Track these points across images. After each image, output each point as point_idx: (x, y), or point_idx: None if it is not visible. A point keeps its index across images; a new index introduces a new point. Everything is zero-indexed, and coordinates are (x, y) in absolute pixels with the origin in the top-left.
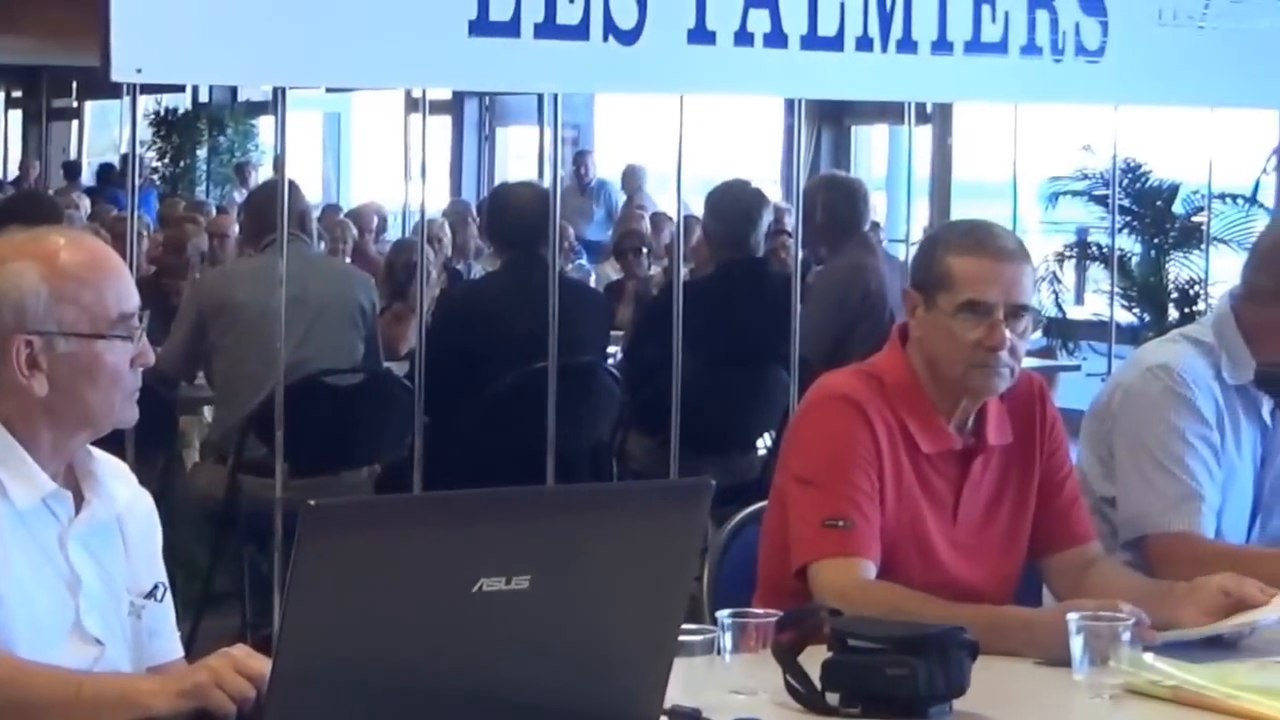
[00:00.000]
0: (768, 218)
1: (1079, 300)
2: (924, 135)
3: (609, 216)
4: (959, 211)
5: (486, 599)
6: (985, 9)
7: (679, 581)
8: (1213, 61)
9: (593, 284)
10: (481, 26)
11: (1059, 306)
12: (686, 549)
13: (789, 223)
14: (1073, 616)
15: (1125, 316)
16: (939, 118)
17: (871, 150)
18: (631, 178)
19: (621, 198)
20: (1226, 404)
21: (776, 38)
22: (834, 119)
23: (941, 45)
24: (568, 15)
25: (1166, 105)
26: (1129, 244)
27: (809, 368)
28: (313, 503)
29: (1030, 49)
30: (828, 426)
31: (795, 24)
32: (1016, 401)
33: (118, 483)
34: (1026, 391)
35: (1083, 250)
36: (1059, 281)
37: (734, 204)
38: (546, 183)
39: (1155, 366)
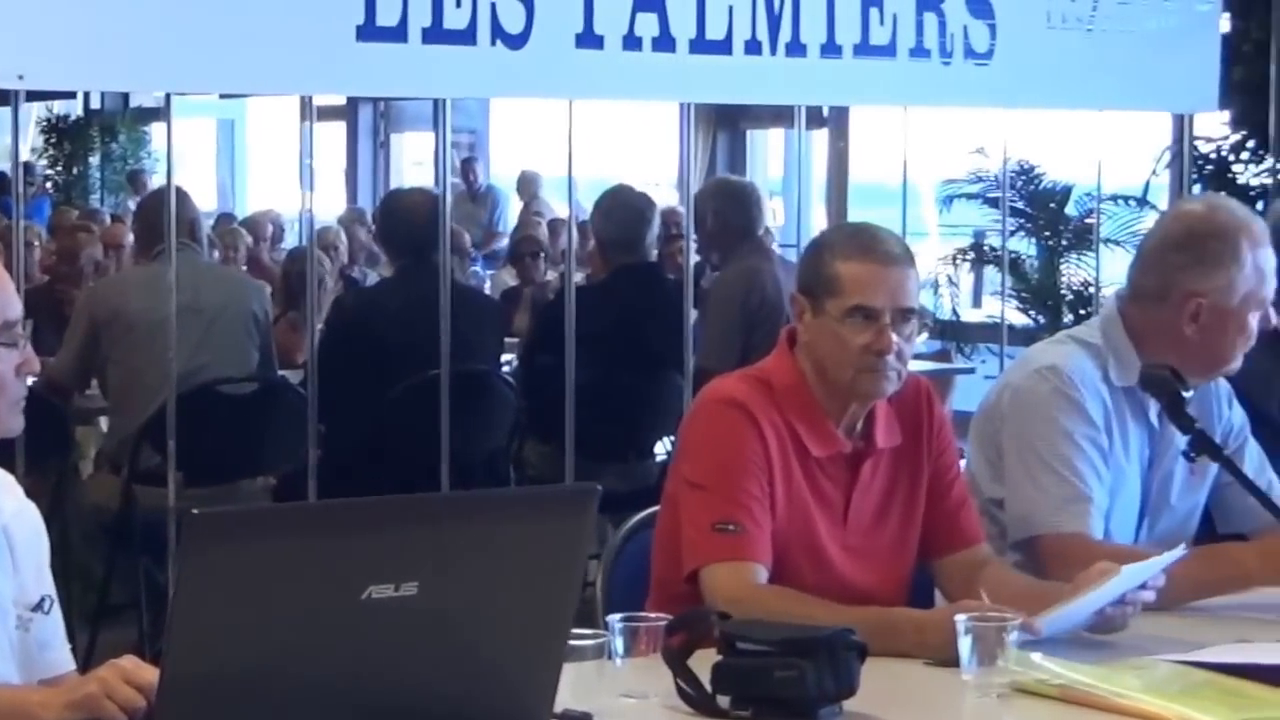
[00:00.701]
0: (658, 222)
1: (976, 303)
2: (821, 139)
3: (495, 222)
4: (856, 215)
5: (375, 606)
6: (873, 12)
7: (567, 586)
8: (1101, 64)
9: (488, 290)
10: (369, 32)
11: (954, 310)
12: (573, 554)
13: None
14: (961, 618)
15: (1020, 319)
16: (835, 121)
17: (768, 154)
18: (527, 184)
19: (511, 203)
20: (1114, 405)
21: (665, 41)
22: (729, 123)
23: (830, 48)
24: (455, 20)
25: (1055, 108)
26: (1023, 246)
27: (710, 377)
28: (195, 512)
29: (919, 52)
30: (717, 431)
31: (683, 28)
32: (904, 404)
33: (3, 494)
34: (914, 394)
35: (979, 253)
36: (954, 285)
37: (624, 209)
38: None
39: (1043, 368)
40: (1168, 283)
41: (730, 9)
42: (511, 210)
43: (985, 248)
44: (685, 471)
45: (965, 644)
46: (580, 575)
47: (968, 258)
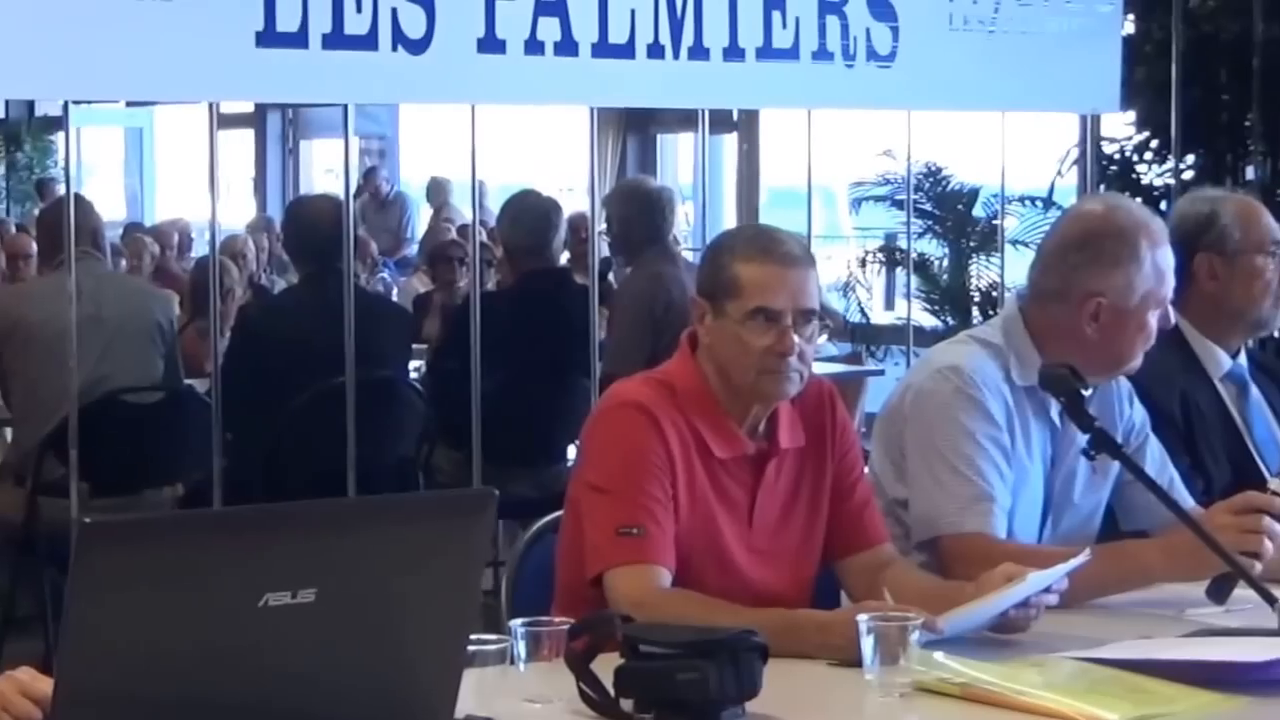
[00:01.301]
0: (566, 226)
1: (889, 305)
2: (733, 143)
3: (403, 229)
4: (768, 218)
5: (272, 613)
6: (776, 15)
7: (466, 591)
8: (1003, 66)
9: (395, 297)
10: (269, 38)
11: (863, 312)
12: (472, 559)
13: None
14: (863, 618)
15: (930, 320)
16: (744, 125)
17: (678, 158)
18: (437, 190)
19: (421, 210)
20: (1016, 405)
21: (567, 46)
22: (639, 127)
23: (733, 52)
24: (356, 25)
25: (958, 110)
26: (932, 248)
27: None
28: (88, 521)
29: (822, 54)
30: (619, 434)
31: (586, 32)
32: (807, 405)
33: None
34: (817, 396)
35: (889, 255)
36: (863, 287)
37: (530, 214)
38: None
39: (945, 368)
40: (1067, 282)
41: (632, 13)
42: (421, 217)
43: (895, 250)
44: (588, 475)
45: (867, 644)
46: (479, 579)
47: (877, 259)
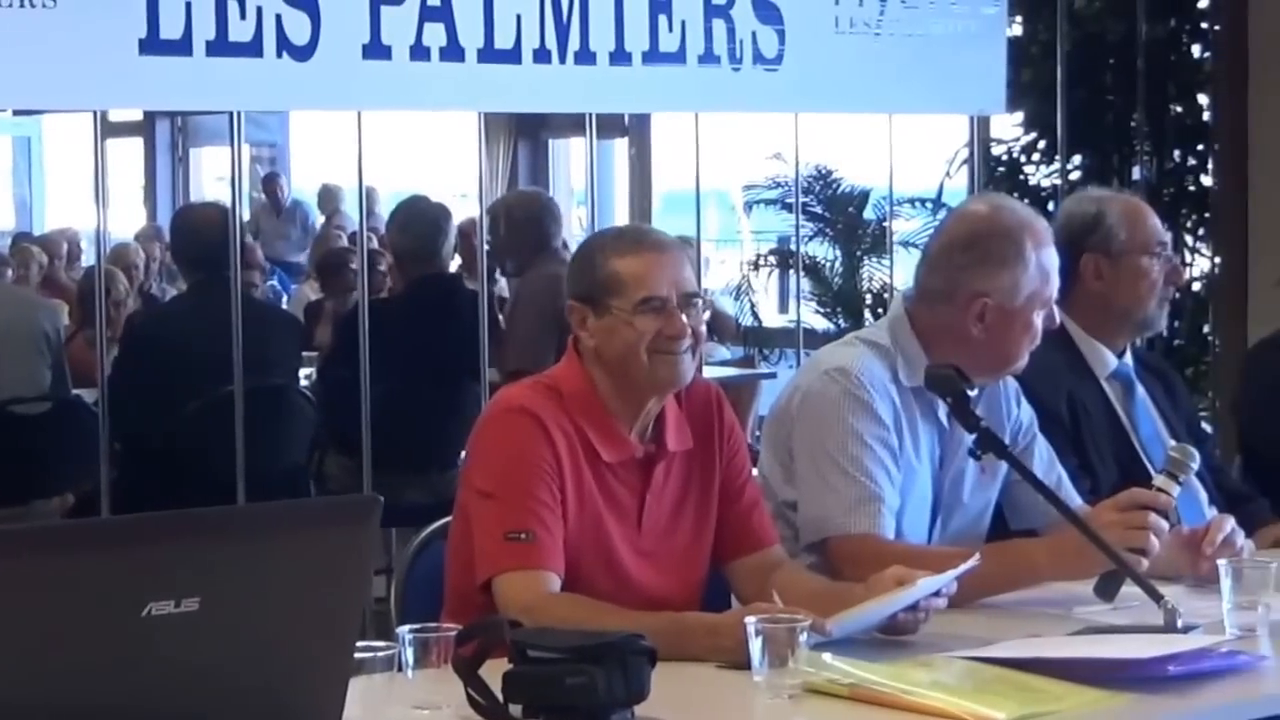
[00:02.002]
0: (454, 233)
1: (783, 308)
2: (625, 147)
3: (305, 237)
4: (661, 223)
5: (156, 623)
6: (662, 19)
7: (351, 598)
8: (889, 68)
9: (285, 305)
10: (152, 45)
11: (755, 315)
12: (357, 566)
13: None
14: (751, 620)
15: (823, 323)
16: (635, 129)
17: (570, 163)
18: (329, 198)
19: (319, 217)
20: (904, 406)
21: (453, 51)
22: (530, 132)
23: (620, 56)
24: (240, 32)
25: (844, 112)
26: (824, 251)
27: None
28: None
29: (708, 58)
30: (506, 439)
31: (471, 37)
32: (695, 408)
33: None
34: (704, 398)
35: (782, 259)
36: (754, 290)
37: (418, 221)
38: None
39: (832, 370)
40: (953, 283)
41: (518, 18)
42: (320, 224)
43: (788, 253)
44: (476, 481)
45: (756, 646)
46: (365, 586)
47: (768, 263)
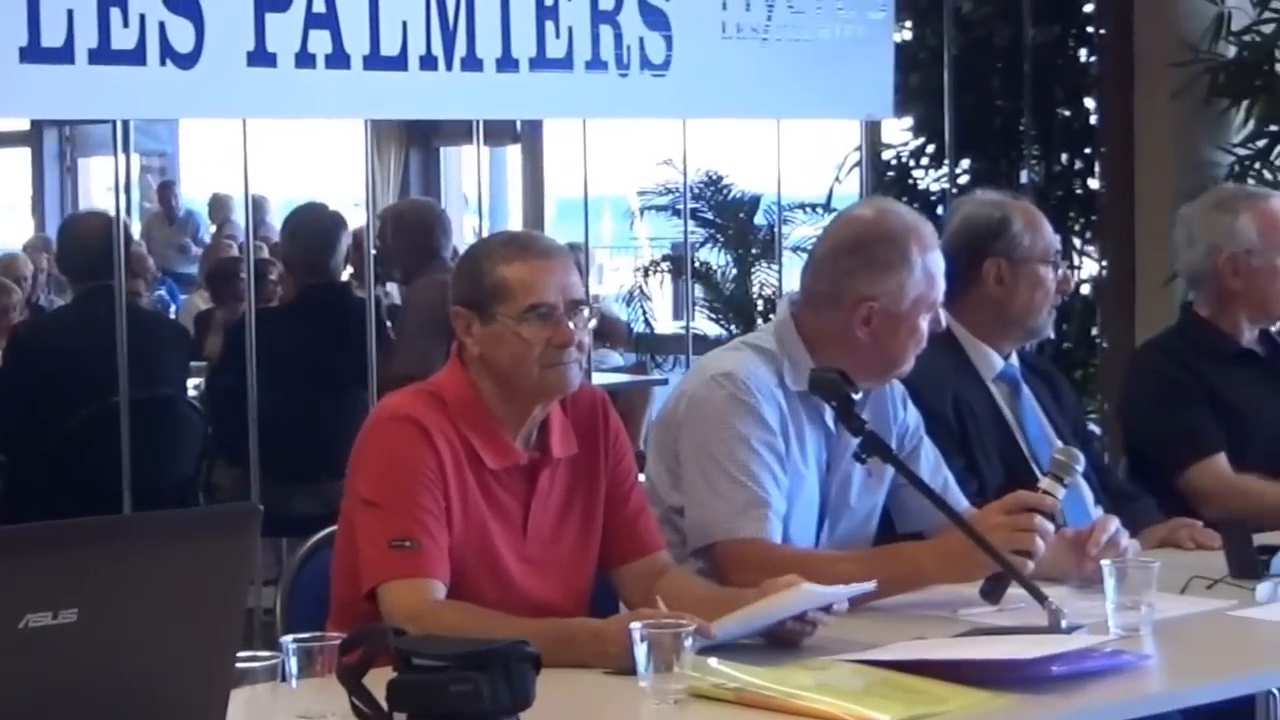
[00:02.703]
0: (347, 241)
1: (677, 315)
2: (518, 154)
3: (197, 246)
4: (555, 229)
5: (33, 635)
6: (549, 25)
7: (232, 608)
8: (777, 73)
9: (175, 315)
10: (34, 53)
11: (647, 322)
12: (237, 575)
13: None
14: (635, 625)
15: (716, 330)
16: (527, 136)
17: (461, 170)
18: (219, 207)
19: (210, 227)
20: (790, 410)
21: (339, 58)
22: (421, 140)
23: (507, 63)
24: (123, 40)
25: (733, 118)
26: (716, 257)
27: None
28: None
29: (595, 64)
30: (390, 447)
31: (357, 44)
32: (580, 414)
33: None
34: (589, 404)
35: (675, 265)
36: (648, 297)
37: (309, 230)
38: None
39: (719, 374)
40: (839, 287)
41: (404, 24)
42: (211, 234)
43: (681, 260)
44: (360, 489)
45: (641, 651)
46: (245, 596)
47: (660, 269)
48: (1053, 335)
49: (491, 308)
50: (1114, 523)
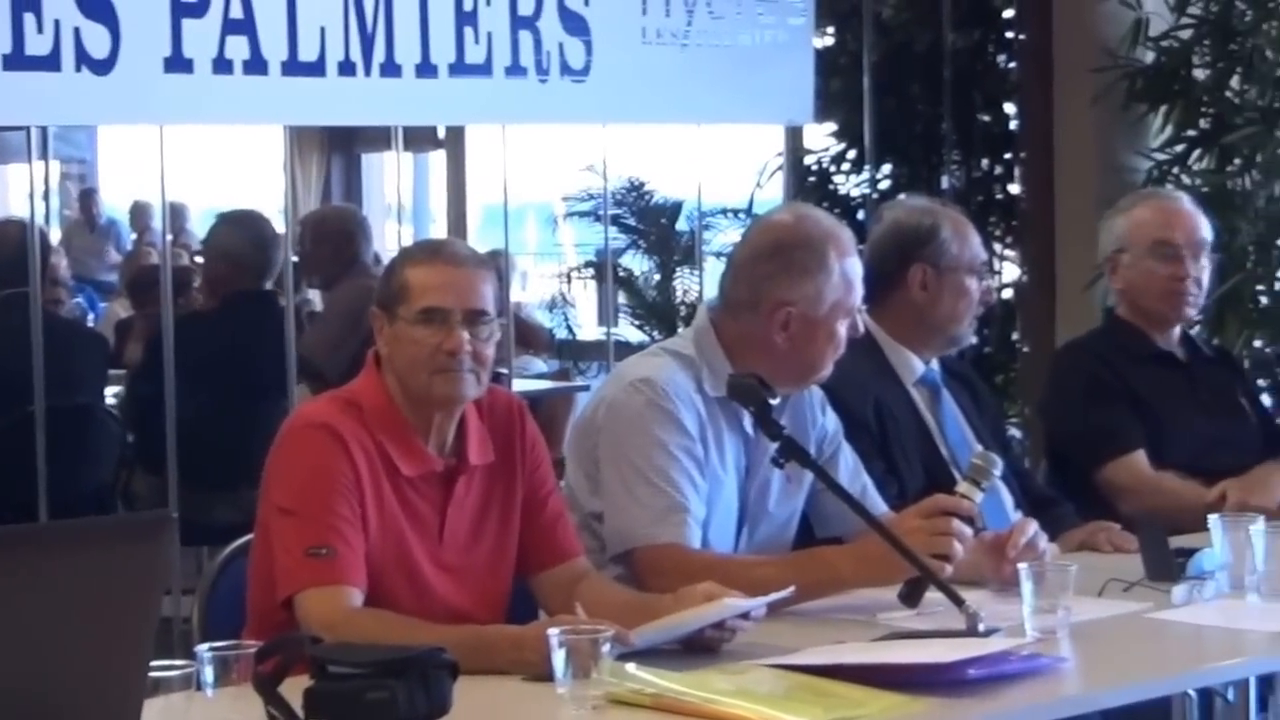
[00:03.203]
0: (273, 248)
1: (602, 321)
2: (441, 159)
3: (119, 254)
4: (478, 235)
5: None
6: (468, 31)
7: (144, 616)
8: (697, 79)
9: (95, 323)
10: None
11: (570, 329)
12: (149, 584)
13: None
14: (553, 631)
15: (639, 336)
16: (451, 142)
17: (384, 177)
18: (139, 214)
19: (132, 235)
20: (709, 416)
21: (257, 64)
22: (343, 146)
23: (426, 68)
24: (37, 46)
25: (653, 123)
26: (638, 263)
27: (325, 381)
28: None
29: (515, 70)
30: (305, 455)
31: (275, 50)
32: (497, 420)
33: None
34: (506, 411)
35: (599, 271)
36: (569, 303)
37: (237, 235)
38: (44, 220)
39: (637, 380)
40: (757, 293)
41: (323, 30)
42: (132, 241)
43: (604, 266)
44: (275, 497)
45: (559, 658)
46: (158, 605)
47: (582, 275)
48: (975, 340)
49: (395, 308)
50: (1032, 525)
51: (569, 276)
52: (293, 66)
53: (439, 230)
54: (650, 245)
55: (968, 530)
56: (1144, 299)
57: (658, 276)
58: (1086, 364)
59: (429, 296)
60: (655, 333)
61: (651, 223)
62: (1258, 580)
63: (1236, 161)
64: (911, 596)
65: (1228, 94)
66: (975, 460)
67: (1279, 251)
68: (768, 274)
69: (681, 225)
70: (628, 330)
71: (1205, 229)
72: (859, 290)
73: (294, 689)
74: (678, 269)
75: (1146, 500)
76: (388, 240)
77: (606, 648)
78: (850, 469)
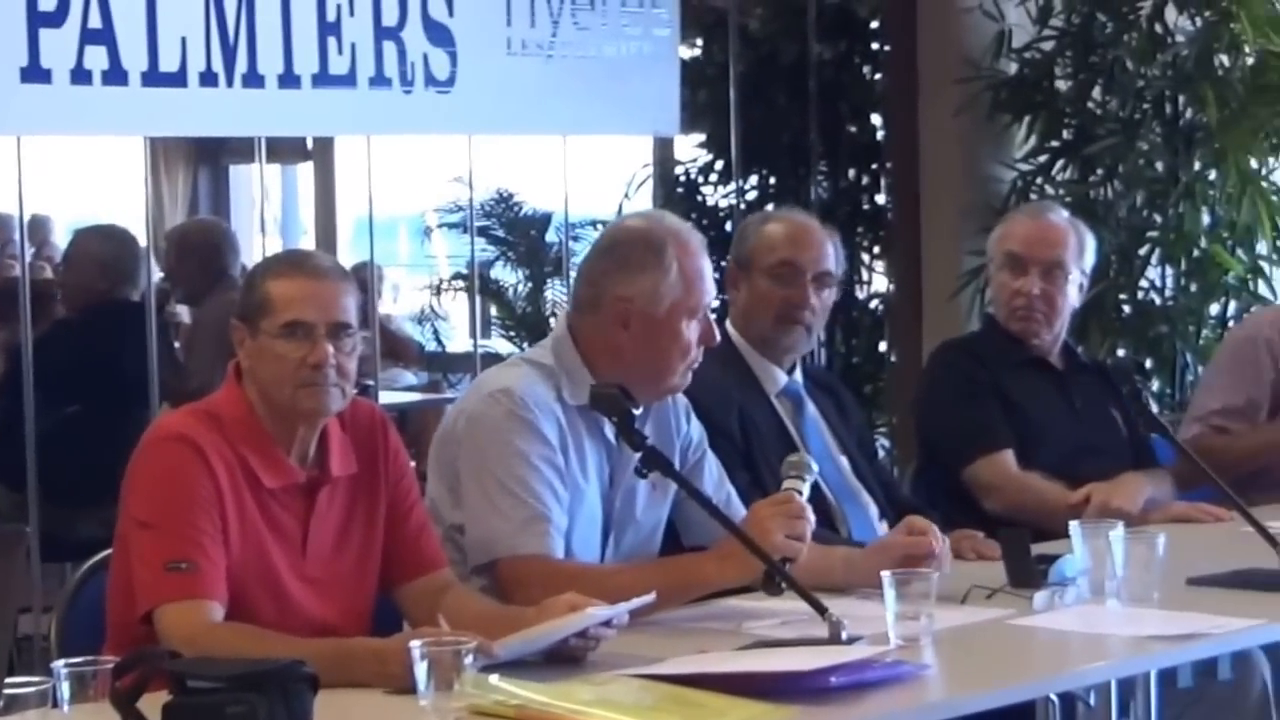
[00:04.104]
0: (138, 260)
1: (481, 334)
2: (309, 171)
3: None
4: (348, 248)
5: None
6: (332, 41)
7: None
8: (563, 90)
9: None
10: None
11: (439, 341)
12: (2, 599)
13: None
14: (415, 644)
15: (509, 348)
16: (319, 153)
17: (253, 189)
18: (37, 228)
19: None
20: (570, 425)
21: (116, 75)
22: (210, 158)
23: (289, 79)
24: None
25: (518, 134)
26: (508, 275)
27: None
28: None
29: (379, 81)
30: (164, 468)
31: (135, 60)
32: (360, 432)
33: None
34: (369, 422)
35: (470, 283)
36: (439, 316)
37: (98, 247)
38: None
39: (496, 391)
40: (598, 289)
41: (184, 40)
42: None
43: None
44: (135, 511)
45: (421, 670)
46: (12, 620)
47: (452, 287)
48: (842, 349)
49: (258, 322)
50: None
51: (438, 289)
52: (153, 77)
53: (309, 243)
54: (520, 257)
55: (811, 514)
56: (996, 310)
57: (528, 288)
58: (960, 363)
59: (292, 310)
60: (526, 344)
61: (521, 234)
62: (1117, 586)
63: (1099, 172)
64: (771, 585)
65: (1090, 105)
66: (789, 460)
67: (1141, 261)
68: (606, 269)
69: (551, 236)
70: (499, 342)
71: (1066, 247)
72: (705, 293)
73: (153, 705)
74: (548, 280)
75: (1011, 498)
76: (255, 254)
77: (469, 659)
78: (715, 478)
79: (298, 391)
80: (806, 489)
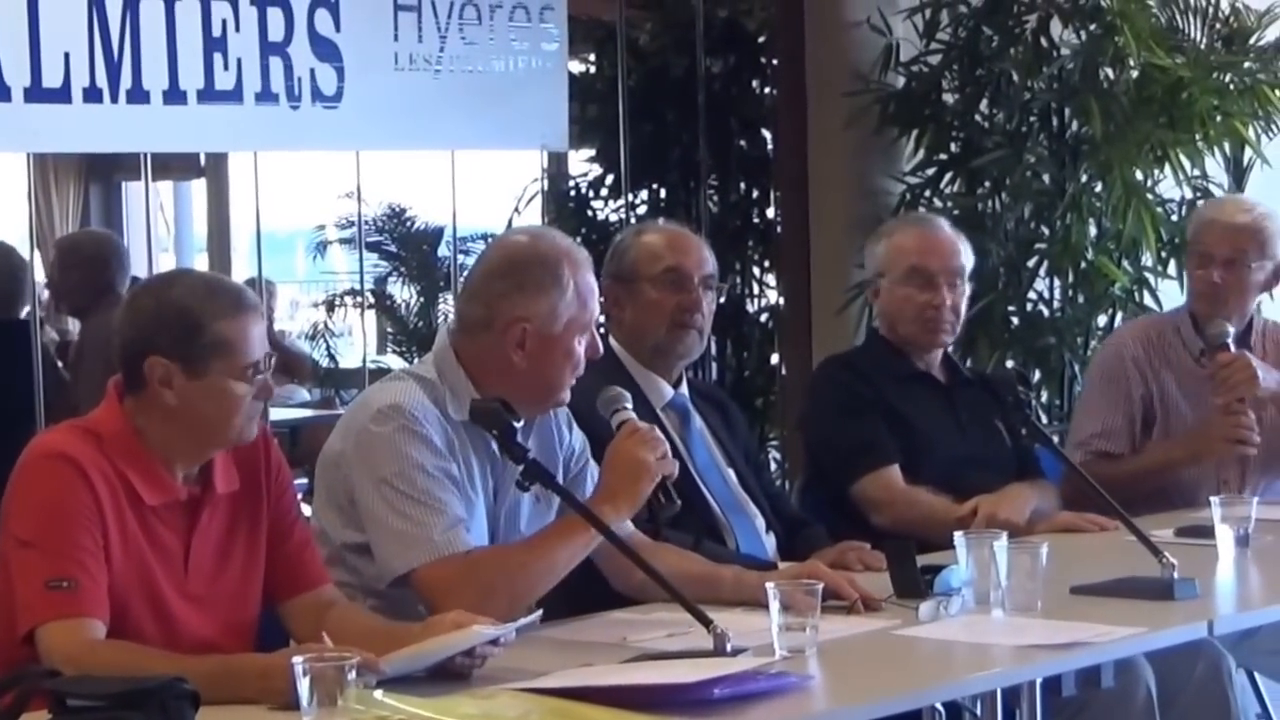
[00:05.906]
0: (22, 278)
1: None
2: (203, 187)
3: None
4: (243, 264)
5: None
6: (217, 57)
7: None
8: (451, 104)
9: None
10: None
11: (332, 356)
12: None
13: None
14: (297, 659)
15: (402, 363)
16: (212, 169)
17: (145, 205)
18: None
19: None
20: (456, 439)
21: None
22: (102, 174)
23: (174, 95)
24: None
25: (406, 149)
26: (400, 290)
27: None
28: None
29: (266, 96)
30: (44, 486)
31: (18, 75)
32: (242, 449)
33: None
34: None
35: (364, 300)
36: (332, 332)
37: None
38: None
39: (385, 407)
40: (493, 311)
41: (67, 56)
42: None
43: (369, 293)
44: (14, 529)
45: (304, 685)
46: None
47: (344, 304)
48: (734, 362)
49: (207, 363)
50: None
51: (331, 304)
52: (36, 93)
53: (203, 260)
54: (411, 272)
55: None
56: (900, 324)
57: (420, 303)
58: (844, 379)
59: (253, 350)
60: (418, 359)
61: (413, 249)
62: (1001, 595)
63: (986, 184)
64: (668, 501)
65: (977, 118)
66: (603, 395)
67: (1029, 272)
68: (502, 292)
69: (443, 251)
70: (392, 358)
71: (963, 255)
72: (594, 307)
73: None
74: (440, 295)
75: (900, 514)
76: (144, 270)
77: (352, 675)
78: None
79: (245, 424)
80: (629, 412)
